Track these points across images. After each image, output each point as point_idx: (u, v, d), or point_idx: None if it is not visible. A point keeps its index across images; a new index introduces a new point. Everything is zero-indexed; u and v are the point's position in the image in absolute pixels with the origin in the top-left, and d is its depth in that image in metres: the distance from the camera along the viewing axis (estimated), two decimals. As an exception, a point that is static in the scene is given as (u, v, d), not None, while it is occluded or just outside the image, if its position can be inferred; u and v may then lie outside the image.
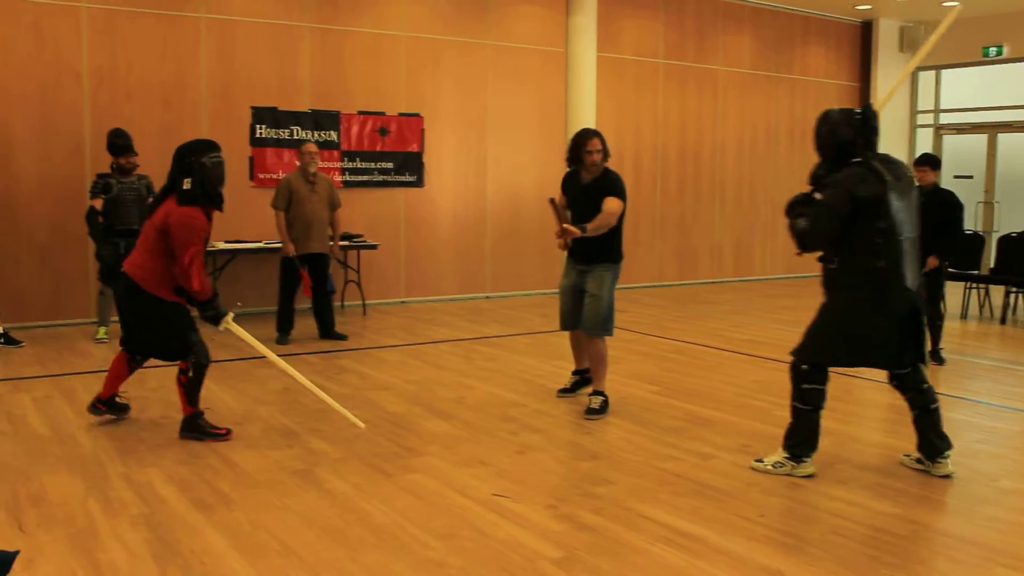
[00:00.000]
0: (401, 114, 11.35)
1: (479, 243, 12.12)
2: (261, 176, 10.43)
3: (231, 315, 5.61)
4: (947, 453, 4.96)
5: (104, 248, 8.24)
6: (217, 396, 6.55)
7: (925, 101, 16.17)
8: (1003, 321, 10.61)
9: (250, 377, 7.21)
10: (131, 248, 8.36)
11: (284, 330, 8.74)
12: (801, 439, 4.94)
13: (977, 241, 11.49)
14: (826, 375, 4.93)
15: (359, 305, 10.86)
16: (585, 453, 5.37)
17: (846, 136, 4.81)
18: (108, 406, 5.82)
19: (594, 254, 6.20)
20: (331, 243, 8.91)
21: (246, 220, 10.26)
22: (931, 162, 8.14)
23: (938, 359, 8.05)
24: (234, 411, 6.17)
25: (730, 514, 4.33)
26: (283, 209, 8.58)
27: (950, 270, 11.15)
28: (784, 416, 6.01)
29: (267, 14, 10.40)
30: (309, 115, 10.71)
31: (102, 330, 8.62)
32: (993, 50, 14.85)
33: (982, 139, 15.27)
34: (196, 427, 5.52)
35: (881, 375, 7.30)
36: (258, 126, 10.42)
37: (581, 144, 6.17)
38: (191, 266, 5.35)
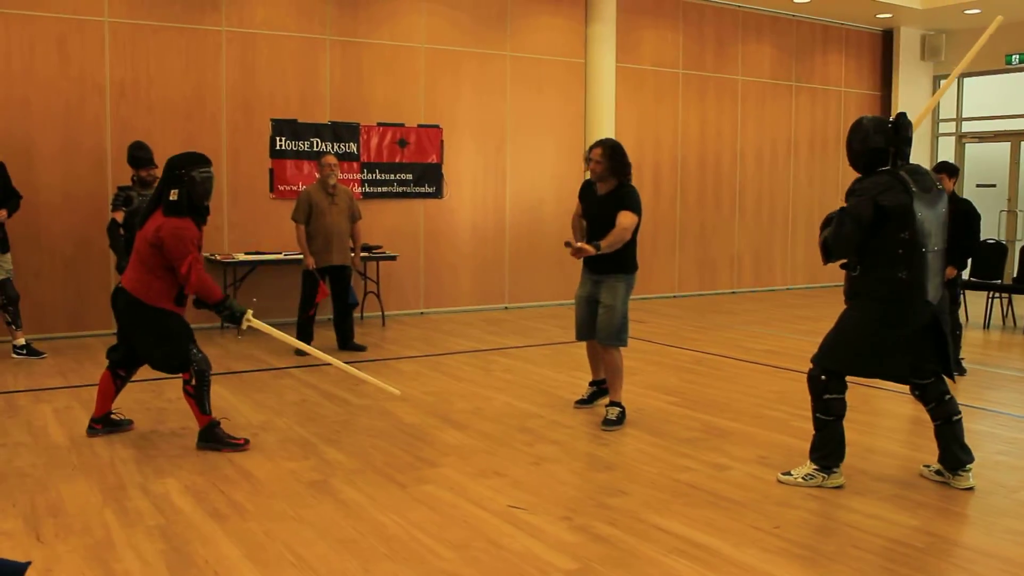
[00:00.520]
0: (420, 125, 11.39)
1: (498, 254, 12.13)
2: (281, 188, 10.48)
3: (250, 312, 5.65)
4: (968, 466, 4.91)
5: (125, 260, 8.30)
6: (235, 407, 6.58)
7: (947, 109, 16.06)
8: (1027, 331, 10.52)
9: (268, 388, 7.24)
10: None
11: (303, 341, 8.75)
12: (829, 450, 4.91)
13: (1000, 250, 11.39)
14: (845, 384, 4.90)
15: (378, 316, 10.89)
16: (601, 464, 5.35)
17: (878, 144, 4.77)
18: (104, 424, 5.86)
19: (608, 266, 6.20)
20: (352, 255, 8.94)
21: (266, 232, 10.34)
22: (948, 170, 8.08)
23: (959, 369, 7.98)
24: (251, 421, 6.20)
25: (745, 526, 4.31)
26: (303, 222, 8.62)
27: (972, 279, 11.10)
28: (802, 427, 5.99)
29: (287, 27, 10.48)
30: (329, 127, 10.77)
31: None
32: (1016, 58, 14.75)
33: (1005, 147, 15.15)
34: (213, 437, 5.55)
35: (901, 385, 7.26)
36: (278, 138, 10.48)
37: (588, 152, 6.27)
38: (191, 274, 5.42)
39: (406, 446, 5.64)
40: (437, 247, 11.67)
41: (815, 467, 4.93)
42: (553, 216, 12.04)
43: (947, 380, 4.97)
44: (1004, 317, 11.20)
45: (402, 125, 11.26)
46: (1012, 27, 14.56)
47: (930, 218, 4.69)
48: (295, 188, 10.38)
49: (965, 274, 8.74)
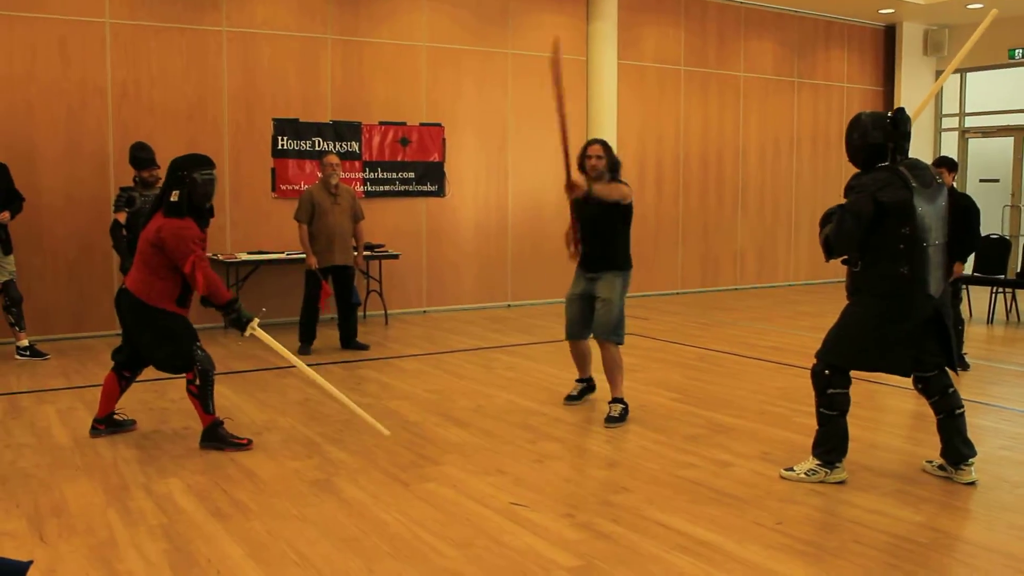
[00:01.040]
0: (422, 124, 11.39)
1: (500, 252, 12.13)
2: (283, 187, 10.49)
3: (256, 321, 5.64)
4: (971, 460, 4.90)
5: (128, 261, 8.30)
6: (238, 406, 6.59)
7: (950, 104, 16.03)
8: (1030, 326, 10.50)
9: (271, 387, 7.24)
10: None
11: (306, 340, 8.77)
12: (832, 445, 4.91)
13: (1003, 245, 11.37)
14: (848, 379, 4.90)
15: (381, 315, 10.89)
16: (603, 461, 5.36)
17: (876, 139, 4.77)
18: (107, 424, 5.87)
19: (605, 263, 6.26)
20: (355, 255, 8.94)
21: (268, 231, 10.35)
22: (948, 164, 8.06)
23: (962, 364, 7.97)
24: (254, 421, 6.20)
25: (748, 522, 4.30)
26: (306, 222, 8.62)
27: (975, 274, 11.08)
28: (805, 423, 5.99)
29: (288, 26, 10.48)
30: (330, 126, 10.77)
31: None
32: (1019, 52, 14.71)
33: (1008, 142, 15.12)
34: (217, 436, 5.56)
35: (904, 381, 7.25)
36: (280, 138, 10.49)
37: (584, 150, 6.49)
38: (195, 272, 5.42)
39: (409, 444, 5.65)
40: (439, 245, 11.67)
41: (818, 462, 4.93)
42: (555, 214, 12.02)
43: (950, 374, 4.96)
44: (1008, 312, 11.18)
45: (404, 124, 11.26)
46: (1015, 21, 14.55)
47: (930, 213, 4.70)
48: (297, 188, 10.39)
49: (968, 269, 8.71)
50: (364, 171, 11.02)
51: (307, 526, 4.27)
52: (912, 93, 15.69)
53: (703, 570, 3.76)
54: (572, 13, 12.40)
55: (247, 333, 5.63)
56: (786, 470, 5.02)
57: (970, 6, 14.00)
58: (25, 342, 8.43)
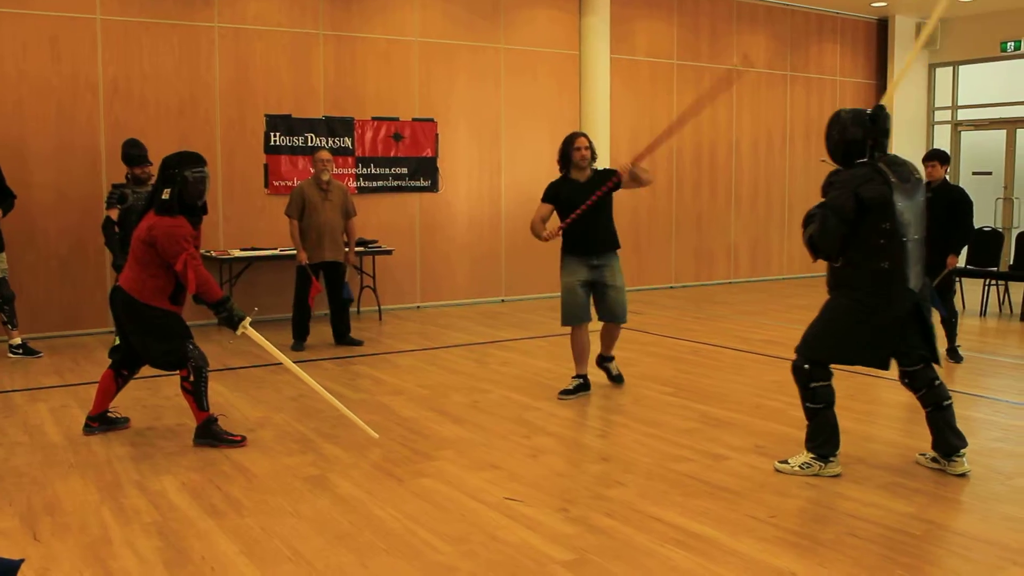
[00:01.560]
0: (415, 119, 11.37)
1: (494, 247, 12.12)
2: (276, 184, 10.47)
3: (248, 320, 5.64)
4: (962, 451, 4.92)
5: (120, 258, 8.30)
6: (232, 403, 6.58)
7: (943, 97, 16.05)
8: (1022, 318, 10.51)
9: (265, 384, 7.23)
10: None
11: (300, 337, 8.77)
12: (823, 438, 4.92)
13: (996, 237, 11.39)
14: (829, 371, 4.93)
15: (375, 311, 10.88)
16: (597, 456, 5.36)
17: (856, 136, 4.79)
18: (101, 422, 5.85)
19: (608, 244, 6.70)
20: (346, 251, 8.93)
21: (261, 228, 10.33)
22: (940, 157, 8.07)
23: (955, 356, 7.99)
24: (249, 418, 6.19)
25: (742, 515, 4.31)
26: (296, 217, 8.62)
27: (969, 267, 11.10)
28: (799, 416, 5.98)
29: (280, 22, 10.45)
30: (323, 122, 10.75)
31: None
32: (1011, 45, 14.73)
33: (1000, 135, 15.14)
34: (210, 433, 5.55)
35: (897, 373, 7.26)
36: (272, 134, 10.47)
37: (570, 143, 6.76)
38: (187, 271, 5.42)
39: (403, 440, 5.64)
40: (433, 241, 11.66)
41: (812, 456, 4.94)
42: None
43: (935, 366, 4.97)
44: (1000, 304, 11.20)
45: (396, 119, 11.24)
46: (1007, 14, 14.59)
47: (909, 208, 4.73)
48: (290, 184, 10.37)
49: (961, 261, 8.72)
50: (357, 167, 11.00)
51: (301, 522, 4.27)
52: (905, 86, 15.70)
53: (697, 563, 3.77)
54: (564, 7, 12.38)
55: (239, 332, 5.62)
56: (780, 463, 5.03)
57: (962, -1, 14.02)
58: (18, 340, 8.41)
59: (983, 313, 10.87)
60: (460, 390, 7.02)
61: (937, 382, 4.93)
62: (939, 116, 16.10)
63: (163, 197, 5.51)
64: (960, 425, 5.77)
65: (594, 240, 6.64)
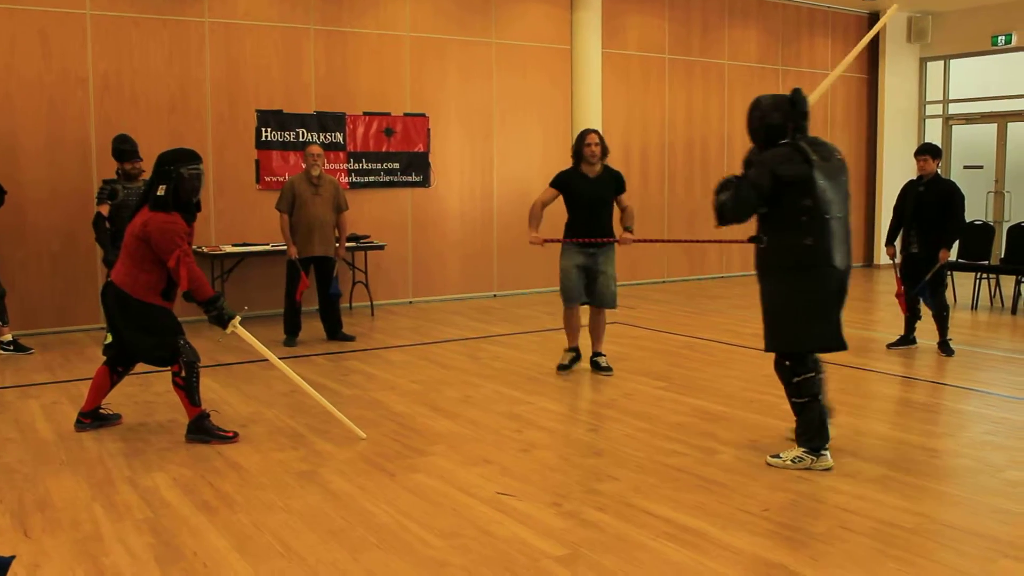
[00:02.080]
0: (406, 114, 11.35)
1: (486, 242, 12.11)
2: (267, 179, 10.44)
3: (238, 318, 5.63)
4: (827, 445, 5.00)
5: (111, 253, 8.29)
6: (223, 398, 6.57)
7: (934, 91, 16.07)
8: (1014, 311, 10.55)
9: (256, 379, 7.22)
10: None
11: (291, 332, 8.75)
12: (813, 431, 4.93)
13: (987, 231, 11.43)
14: (811, 364, 4.93)
15: (367, 306, 10.87)
16: (590, 450, 5.36)
17: (776, 120, 4.91)
18: (92, 418, 5.83)
19: (606, 233, 7.19)
20: (337, 246, 8.91)
21: (253, 223, 10.30)
22: (932, 151, 8.09)
23: (947, 350, 8.01)
24: (240, 413, 6.18)
25: (734, 509, 4.31)
26: (286, 211, 8.60)
27: (960, 260, 11.13)
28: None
29: (271, 17, 10.42)
30: (314, 117, 10.72)
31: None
32: (1002, 39, 14.75)
33: (992, 128, 15.17)
34: (202, 428, 5.54)
35: (893, 367, 7.28)
36: (263, 129, 10.44)
37: (582, 139, 7.21)
38: (180, 267, 5.41)
39: (395, 435, 5.64)
40: (425, 236, 11.65)
41: (804, 450, 4.95)
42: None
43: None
44: (992, 298, 11.24)
45: (388, 114, 11.22)
46: (998, 8, 14.61)
47: (831, 187, 4.81)
48: (281, 179, 10.34)
49: (953, 255, 8.74)
50: (349, 162, 10.98)
51: (293, 518, 4.26)
52: (896, 80, 15.73)
53: (689, 557, 3.77)
54: (556, 2, 12.37)
55: (228, 330, 5.62)
56: (772, 457, 5.03)
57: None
58: (8, 336, 8.38)
59: (974, 307, 10.90)
60: (452, 385, 7.02)
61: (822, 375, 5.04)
62: (930, 110, 16.13)
63: (158, 193, 5.50)
64: (951, 418, 5.82)
65: (593, 229, 7.17)
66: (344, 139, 10.94)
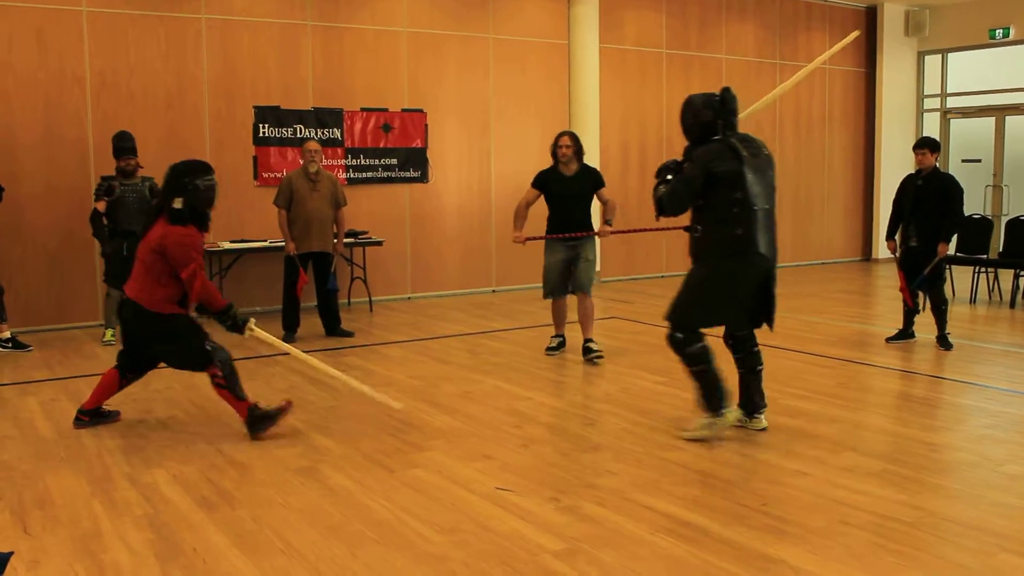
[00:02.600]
0: (404, 110, 11.34)
1: (484, 237, 12.11)
2: (265, 175, 10.44)
3: (252, 320, 5.67)
4: (763, 410, 5.50)
5: (108, 246, 8.32)
6: (222, 395, 6.56)
7: (932, 85, 16.07)
8: (1012, 305, 10.55)
9: (257, 376, 7.22)
10: (132, 250, 8.46)
11: (290, 328, 8.75)
12: (714, 395, 5.26)
13: (985, 225, 11.43)
14: (701, 335, 5.24)
15: (365, 302, 10.87)
16: (588, 445, 5.36)
17: (707, 118, 5.23)
18: (92, 416, 5.81)
19: (586, 228, 7.64)
20: (335, 242, 8.91)
21: (250, 219, 10.30)
22: (930, 145, 8.09)
23: (946, 344, 8.01)
24: (239, 410, 6.17)
25: (733, 503, 4.32)
26: (284, 207, 8.61)
27: (958, 254, 11.13)
28: (790, 404, 6.05)
29: (268, 13, 10.41)
30: (312, 113, 10.71)
31: (109, 332, 8.65)
32: (1000, 32, 14.75)
33: (989, 122, 15.17)
34: (261, 417, 5.52)
35: (891, 361, 7.29)
36: (261, 125, 10.43)
37: (556, 141, 7.73)
38: (194, 280, 5.42)
39: (394, 431, 5.64)
40: (423, 231, 11.65)
41: (708, 415, 5.27)
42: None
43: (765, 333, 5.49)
44: (990, 291, 11.24)
45: (386, 110, 11.21)
46: (995, 2, 14.61)
47: (759, 180, 5.15)
48: (279, 175, 10.33)
49: (951, 249, 8.74)
50: (347, 158, 10.97)
51: (292, 514, 4.26)
52: (894, 74, 15.72)
53: (688, 552, 3.77)
54: (553, -3, 12.36)
55: (246, 334, 5.65)
56: (684, 432, 5.37)
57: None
58: (7, 334, 8.38)
59: (973, 300, 10.90)
60: (451, 380, 7.02)
61: (756, 348, 5.47)
62: (928, 104, 16.12)
63: (174, 206, 5.48)
64: (950, 412, 5.83)
65: (574, 224, 7.60)
66: (342, 135, 10.93)
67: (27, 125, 9.23)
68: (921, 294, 8.15)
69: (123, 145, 8.37)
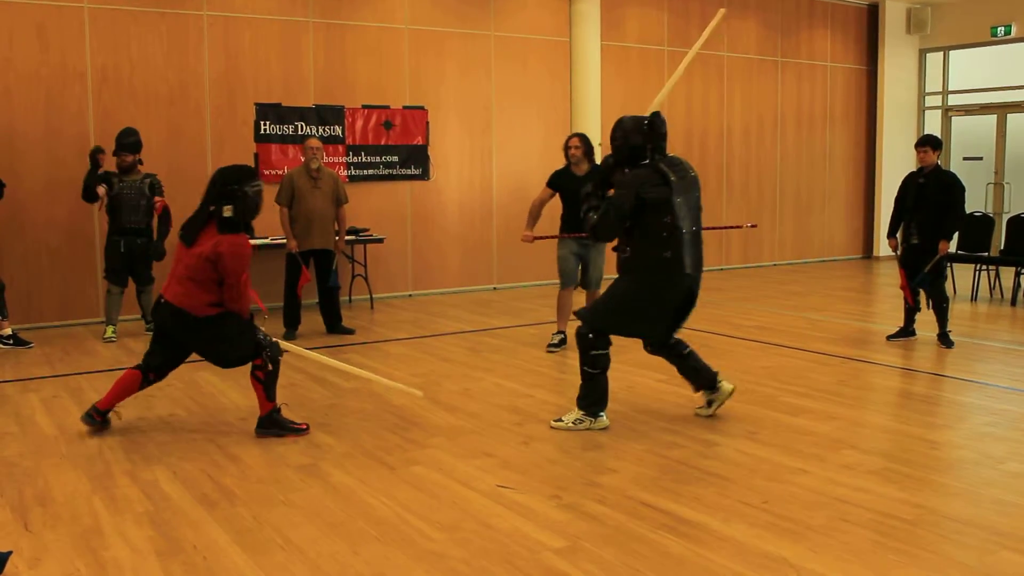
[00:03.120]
0: (405, 107, 11.34)
1: (485, 235, 12.11)
2: (266, 172, 10.43)
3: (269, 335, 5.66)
4: (716, 376, 5.73)
5: (92, 192, 8.34)
6: (223, 392, 6.57)
7: (933, 83, 16.06)
8: (1013, 303, 10.55)
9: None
10: (131, 247, 8.48)
11: (291, 325, 8.76)
12: (595, 398, 5.52)
13: (987, 223, 11.42)
14: (609, 341, 5.48)
15: (366, 299, 10.87)
16: (589, 443, 5.36)
17: (636, 142, 5.41)
18: (104, 417, 5.71)
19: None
20: (336, 239, 8.91)
21: (252, 216, 10.27)
22: (932, 143, 8.08)
23: (947, 342, 8.01)
24: (240, 407, 6.18)
25: (733, 501, 4.32)
26: (286, 205, 8.61)
27: (959, 252, 11.13)
28: (791, 402, 6.05)
29: (269, 10, 10.40)
30: (313, 110, 10.71)
31: (110, 329, 8.66)
32: (1001, 30, 14.74)
33: (991, 120, 15.16)
34: (276, 423, 5.50)
35: (890, 358, 7.30)
36: (262, 122, 10.43)
37: (565, 143, 8.08)
38: (243, 289, 5.39)
39: (395, 428, 5.64)
40: (424, 229, 11.65)
41: (583, 413, 5.52)
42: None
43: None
44: (991, 289, 11.24)
45: (387, 107, 11.21)
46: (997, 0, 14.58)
47: (685, 203, 5.38)
48: (281, 172, 10.32)
49: (952, 247, 8.74)
50: (348, 155, 10.97)
51: (293, 511, 4.27)
52: (895, 71, 15.71)
53: (689, 549, 3.77)
54: (555, -6, 12.35)
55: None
56: (555, 421, 5.57)
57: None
58: (8, 330, 8.38)
59: (974, 298, 10.90)
60: (452, 378, 7.02)
61: (672, 341, 5.72)
62: (930, 101, 16.11)
63: (225, 215, 5.38)
64: (951, 410, 5.84)
65: (581, 224, 7.76)
66: (343, 132, 10.93)
67: (28, 121, 9.23)
68: (922, 292, 8.14)
69: (121, 141, 8.41)
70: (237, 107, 10.29)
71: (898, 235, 8.44)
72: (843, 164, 15.67)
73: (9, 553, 2.92)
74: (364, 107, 11.05)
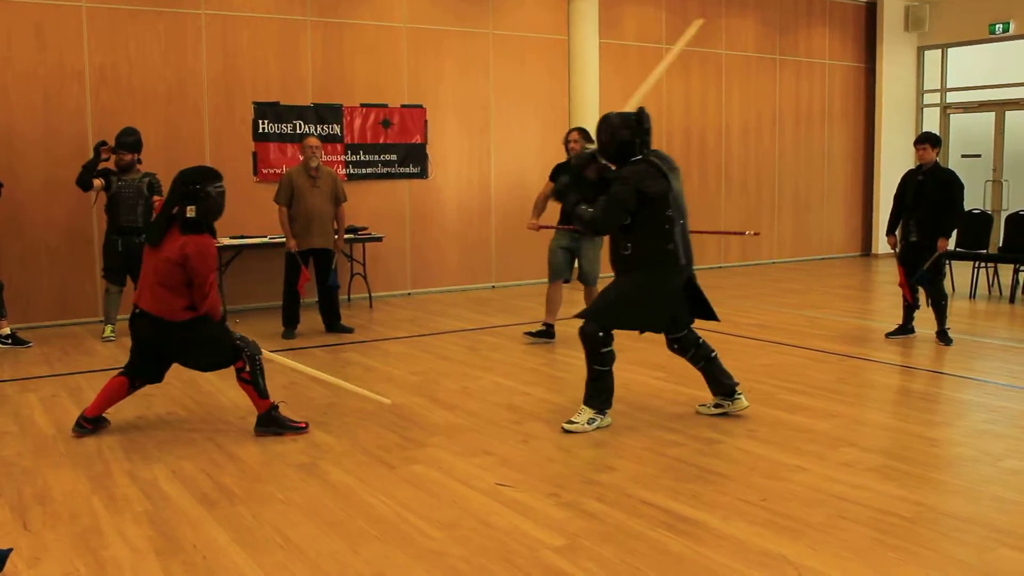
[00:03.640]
0: (404, 106, 11.34)
1: (484, 233, 12.11)
2: (265, 171, 10.44)
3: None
4: (737, 388, 5.72)
5: (87, 179, 8.34)
6: (222, 391, 6.57)
7: (931, 80, 16.06)
8: (1012, 300, 10.55)
9: (256, 372, 7.21)
10: (129, 246, 8.47)
11: (290, 324, 8.75)
12: (605, 395, 5.53)
13: (985, 220, 11.42)
14: (612, 337, 5.48)
15: (365, 298, 10.87)
16: (588, 441, 5.36)
17: (625, 137, 5.43)
18: (94, 423, 5.67)
19: None
20: (335, 238, 8.90)
21: (250, 215, 10.28)
22: (931, 140, 8.08)
23: (945, 339, 8.01)
24: (239, 406, 6.17)
25: (732, 499, 4.32)
26: (285, 204, 8.60)
27: (958, 249, 11.13)
28: (790, 400, 6.05)
29: (267, 9, 10.40)
30: (311, 109, 10.71)
31: (108, 328, 8.65)
32: (1000, 27, 14.73)
33: (989, 117, 15.15)
34: (274, 421, 5.50)
35: (888, 357, 7.31)
36: (261, 121, 10.43)
37: (565, 136, 8.16)
38: (210, 291, 5.36)
39: (394, 427, 5.64)
40: (423, 227, 11.65)
41: (594, 412, 5.50)
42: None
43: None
44: (990, 286, 11.24)
45: (385, 106, 11.21)
46: (995, -4, 14.58)
47: (678, 195, 5.46)
48: (279, 171, 10.34)
49: (951, 244, 8.74)
50: (346, 154, 10.97)
51: (292, 510, 4.27)
52: (894, 69, 15.71)
53: (688, 547, 3.77)
54: (553, -8, 12.35)
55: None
56: (568, 424, 5.48)
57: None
58: (7, 330, 8.37)
59: (972, 295, 10.90)
60: (451, 376, 7.02)
61: (700, 341, 5.73)
62: (928, 99, 16.11)
63: (188, 215, 5.35)
64: (950, 407, 5.83)
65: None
66: (342, 131, 10.92)
67: (27, 120, 9.22)
68: (921, 289, 8.15)
69: (120, 140, 8.41)
70: (235, 106, 10.28)
71: (897, 232, 8.44)
72: (842, 162, 15.67)
73: (9, 550, 2.92)
74: (362, 106, 11.05)
